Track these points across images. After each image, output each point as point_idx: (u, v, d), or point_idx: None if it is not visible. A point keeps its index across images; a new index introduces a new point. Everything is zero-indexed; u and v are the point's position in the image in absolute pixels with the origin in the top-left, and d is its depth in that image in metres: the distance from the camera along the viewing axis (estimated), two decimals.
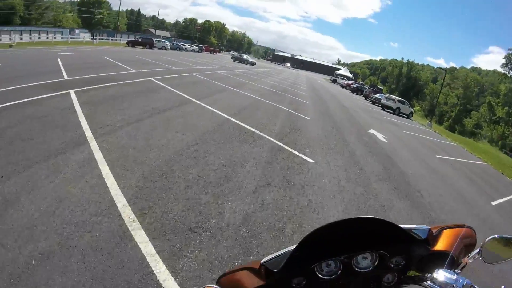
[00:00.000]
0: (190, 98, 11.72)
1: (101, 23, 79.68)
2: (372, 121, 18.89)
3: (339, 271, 0.97)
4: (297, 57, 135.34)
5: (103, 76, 13.58)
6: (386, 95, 37.23)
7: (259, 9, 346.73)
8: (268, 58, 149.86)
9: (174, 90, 12.88)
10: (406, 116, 33.21)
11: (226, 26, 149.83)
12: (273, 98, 16.86)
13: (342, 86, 60.43)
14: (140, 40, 49.49)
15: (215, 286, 1.00)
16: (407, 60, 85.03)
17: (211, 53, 76.44)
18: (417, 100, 76.41)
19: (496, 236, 1.00)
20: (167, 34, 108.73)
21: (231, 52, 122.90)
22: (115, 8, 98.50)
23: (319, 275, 0.97)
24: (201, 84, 16.73)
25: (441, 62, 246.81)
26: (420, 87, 79.43)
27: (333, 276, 0.97)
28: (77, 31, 67.84)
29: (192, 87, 14.75)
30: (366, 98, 42.86)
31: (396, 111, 31.96)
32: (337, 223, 0.90)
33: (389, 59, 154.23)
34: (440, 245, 1.02)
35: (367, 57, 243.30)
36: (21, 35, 48.98)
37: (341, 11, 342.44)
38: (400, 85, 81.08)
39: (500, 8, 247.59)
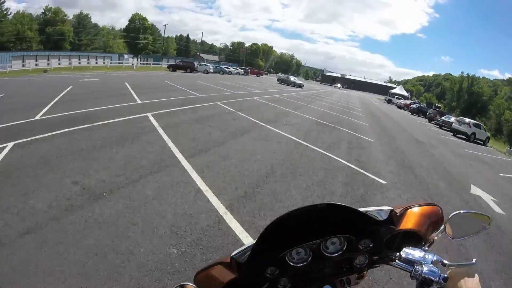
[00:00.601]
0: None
1: (146, 48, 79.68)
2: (459, 162, 13.48)
3: (310, 258, 1.01)
4: (347, 76, 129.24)
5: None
6: (458, 118, 31.08)
7: (306, 31, 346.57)
8: (317, 79, 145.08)
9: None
10: (482, 143, 27.69)
11: (273, 49, 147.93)
12: (322, 137, 11.83)
13: (399, 107, 54.31)
14: (181, 64, 47.48)
15: (191, 284, 1.04)
16: (467, 74, 75.14)
17: (257, 76, 73.72)
18: (480, 118, 67.03)
19: (460, 211, 1.02)
20: (215, 58, 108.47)
21: (278, 74, 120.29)
22: (169, 34, 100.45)
23: (290, 263, 1.00)
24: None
25: (496, 74, 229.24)
26: (484, 103, 69.80)
27: (305, 263, 1.01)
28: (126, 56, 68.77)
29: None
30: (430, 121, 37.12)
31: (471, 138, 26.72)
32: (299, 210, 0.95)
33: (442, 73, 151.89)
34: (405, 224, 1.05)
35: (418, 73, 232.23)
36: (69, 59, 50.04)
37: (388, 28, 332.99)
38: (461, 102, 71.62)
39: None
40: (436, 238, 1.06)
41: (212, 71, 50.70)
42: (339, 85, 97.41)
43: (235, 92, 23.70)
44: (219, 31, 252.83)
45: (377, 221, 1.03)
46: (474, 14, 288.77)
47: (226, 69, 57.92)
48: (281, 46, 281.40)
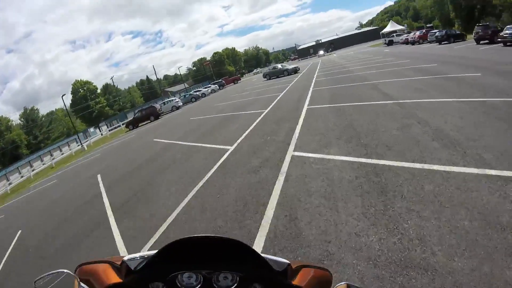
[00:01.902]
0: None
1: (104, 112, 70.52)
2: None
3: (199, 285, 1.01)
4: (322, 41, 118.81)
5: None
6: None
7: (257, 20, 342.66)
8: (292, 58, 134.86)
9: None
10: None
11: (236, 49, 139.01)
12: None
13: (412, 42, 44.60)
14: (139, 115, 36.40)
15: (71, 273, 1.01)
16: None
17: (234, 83, 63.64)
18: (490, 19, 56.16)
19: (345, 283, 1.02)
20: (185, 86, 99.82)
21: (256, 70, 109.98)
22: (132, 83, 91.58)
23: (179, 284, 1.01)
24: None
25: None
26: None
27: None
28: (91, 129, 60.15)
29: None
30: (478, 42, 27.68)
31: None
32: (204, 238, 0.96)
33: None
34: (297, 281, 1.07)
35: (377, 9, 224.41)
36: (30, 166, 42.48)
37: None
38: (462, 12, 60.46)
39: None
40: None
41: (182, 103, 40.58)
42: (321, 51, 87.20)
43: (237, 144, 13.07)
44: (178, 59, 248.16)
45: (273, 270, 1.01)
46: None
47: (197, 93, 47.78)
48: (240, 45, 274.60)
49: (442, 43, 35.54)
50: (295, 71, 36.69)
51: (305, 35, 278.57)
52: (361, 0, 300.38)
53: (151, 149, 15.09)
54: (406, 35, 51.83)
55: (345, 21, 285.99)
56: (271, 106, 16.20)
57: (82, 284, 1.01)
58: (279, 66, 40.23)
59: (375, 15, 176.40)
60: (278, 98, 18.83)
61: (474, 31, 28.93)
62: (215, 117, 18.76)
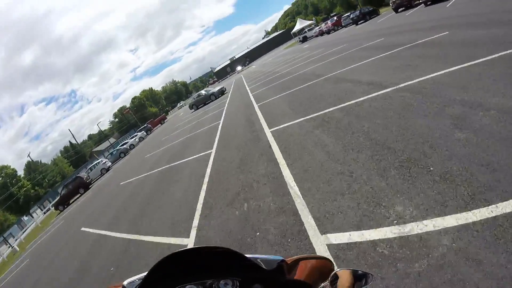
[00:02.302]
0: None
1: (30, 197, 62.23)
2: None
3: None
4: (236, 57, 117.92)
5: None
6: None
7: (166, 56, 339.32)
8: (211, 82, 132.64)
9: None
10: None
11: (154, 89, 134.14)
12: None
13: (327, 32, 43.65)
14: (65, 192, 30.13)
15: None
16: None
17: (161, 124, 59.14)
18: None
19: (345, 268, 1.03)
20: (110, 142, 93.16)
21: (180, 104, 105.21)
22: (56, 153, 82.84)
23: None
24: None
25: None
26: None
27: None
28: (25, 217, 53.92)
29: None
30: (397, 10, 27.71)
31: None
32: (192, 250, 0.96)
33: None
34: (296, 274, 1.08)
35: (277, 16, 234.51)
36: None
37: (227, 0, 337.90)
38: None
39: None
40: None
41: (110, 163, 35.40)
42: (239, 67, 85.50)
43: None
44: (99, 114, 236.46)
45: (263, 269, 1.00)
46: None
47: (124, 146, 42.59)
48: (157, 84, 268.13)
49: (359, 23, 34.72)
50: (222, 92, 33.02)
51: (217, 57, 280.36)
52: (259, 11, 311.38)
53: (78, 250, 10.34)
54: (318, 27, 51.11)
55: (250, 34, 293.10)
56: (216, 142, 12.18)
57: None
58: (203, 92, 36.04)
59: (277, 21, 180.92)
60: (220, 127, 14.97)
61: (391, 1, 28.16)
62: (149, 175, 14.37)
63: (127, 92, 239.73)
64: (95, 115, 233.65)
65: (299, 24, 63.73)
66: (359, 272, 1.04)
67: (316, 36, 49.94)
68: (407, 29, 15.43)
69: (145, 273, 0.99)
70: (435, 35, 10.94)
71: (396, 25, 19.24)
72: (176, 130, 27.87)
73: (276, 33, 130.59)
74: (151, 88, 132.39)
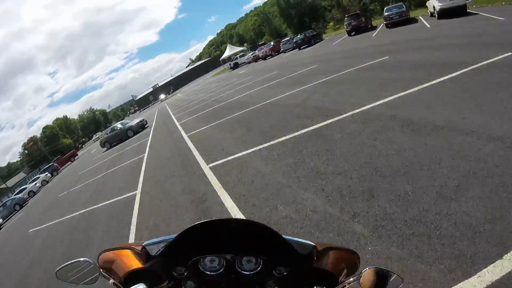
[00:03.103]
0: None
1: None
2: None
3: (222, 269, 1.00)
4: (159, 85, 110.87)
5: None
6: None
7: (86, 81, 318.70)
8: (134, 110, 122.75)
9: None
10: None
11: (69, 117, 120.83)
12: None
13: (264, 57, 39.37)
14: None
15: (89, 260, 1.01)
16: None
17: (71, 161, 49.46)
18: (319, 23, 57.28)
19: (374, 267, 1.00)
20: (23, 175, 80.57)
21: (96, 135, 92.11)
22: None
23: (202, 269, 1.00)
24: None
25: (256, 2, 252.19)
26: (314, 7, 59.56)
27: (216, 273, 1.00)
28: None
29: None
30: (350, 34, 26.11)
31: None
32: (225, 221, 0.95)
33: (223, 28, 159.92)
34: (323, 264, 1.04)
35: (201, 46, 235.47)
36: None
37: (152, 28, 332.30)
38: (293, 18, 60.05)
39: None
40: (347, 285, 1.01)
41: (1, 219, 25.89)
42: (162, 96, 78.51)
43: None
44: (12, 143, 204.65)
45: (297, 253, 0.99)
46: None
47: (22, 195, 32.99)
48: (75, 111, 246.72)
49: (302, 47, 30.84)
50: (142, 126, 26.26)
51: (140, 85, 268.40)
52: (183, 40, 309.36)
53: None
54: (252, 53, 46.98)
55: (174, 62, 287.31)
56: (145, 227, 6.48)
57: (103, 272, 1.02)
58: (119, 125, 28.11)
59: (201, 50, 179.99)
60: (138, 189, 9.01)
61: (345, 23, 26.48)
62: None
63: (43, 119, 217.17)
64: (7, 143, 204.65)
65: (229, 51, 59.57)
66: (386, 271, 0.99)
67: (249, 62, 45.72)
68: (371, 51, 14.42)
69: (165, 237, 1.00)
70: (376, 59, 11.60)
71: (341, 50, 18.53)
72: (79, 181, 18.71)
73: (201, 61, 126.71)
74: (66, 116, 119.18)
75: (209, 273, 0.99)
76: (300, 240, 1.04)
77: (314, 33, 32.79)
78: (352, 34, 25.22)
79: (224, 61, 56.22)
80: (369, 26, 25.34)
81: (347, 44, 21.12)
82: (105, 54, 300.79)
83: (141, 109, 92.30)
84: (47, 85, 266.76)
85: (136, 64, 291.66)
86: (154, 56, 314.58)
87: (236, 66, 50.21)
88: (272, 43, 41.06)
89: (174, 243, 0.95)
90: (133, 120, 28.15)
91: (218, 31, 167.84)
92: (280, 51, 37.31)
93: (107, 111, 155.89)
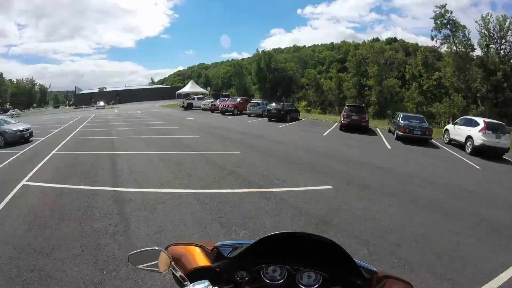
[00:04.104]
0: None
1: None
2: None
3: (282, 280, 1.02)
4: (107, 89, 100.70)
5: None
6: None
7: (48, 52, 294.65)
8: (71, 103, 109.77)
9: None
10: None
11: (4, 76, 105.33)
12: None
13: (224, 111, 32.85)
14: None
15: (163, 249, 1.08)
16: (260, 48, 60.29)
17: None
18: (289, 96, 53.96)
19: None
20: None
21: (12, 111, 77.27)
22: None
23: (263, 276, 1.02)
24: None
25: (234, 55, 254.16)
26: (290, 79, 56.32)
27: (275, 283, 1.02)
28: None
29: None
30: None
31: None
32: (296, 233, 0.97)
33: (196, 64, 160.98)
34: None
35: (169, 71, 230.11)
36: None
37: (133, 34, 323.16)
38: (266, 83, 55.90)
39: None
40: None
41: None
42: (102, 103, 69.01)
43: None
44: None
45: (361, 275, 0.99)
46: (210, 9, 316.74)
47: None
48: (22, 74, 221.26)
49: (272, 119, 24.71)
50: (22, 137, 17.74)
51: (96, 81, 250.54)
52: (154, 59, 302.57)
53: None
54: (213, 100, 40.54)
55: (138, 75, 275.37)
56: None
57: (173, 263, 1.06)
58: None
59: (167, 76, 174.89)
60: None
61: (343, 113, 20.85)
62: None
63: None
64: None
65: (190, 87, 52.66)
66: None
67: (205, 109, 39.19)
68: None
69: (238, 240, 1.03)
70: None
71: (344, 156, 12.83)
72: None
73: (161, 86, 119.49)
74: (1, 74, 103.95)
75: (269, 282, 1.00)
76: (364, 264, 1.05)
77: (293, 107, 27.11)
78: (344, 129, 19.77)
79: (180, 95, 48.97)
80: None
81: (346, 145, 15.60)
82: (78, 35, 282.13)
83: (75, 107, 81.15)
84: (10, 34, 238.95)
85: (102, 60, 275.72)
86: (122, 60, 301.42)
87: (189, 106, 43.48)
88: (238, 99, 34.28)
89: (247, 249, 0.95)
90: (17, 123, 19.57)
91: (190, 65, 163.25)
92: (245, 111, 31.25)
93: (47, 89, 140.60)
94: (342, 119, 20.05)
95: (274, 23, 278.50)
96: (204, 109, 40.00)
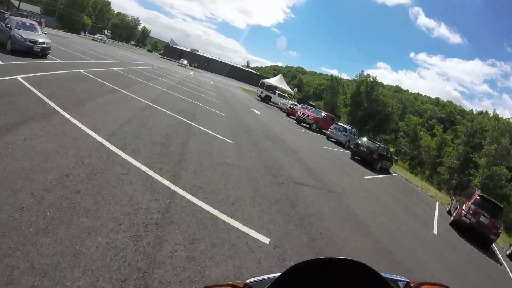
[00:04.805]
0: None
1: None
2: None
3: None
4: (198, 53, 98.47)
5: None
6: None
7: (165, 4, 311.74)
8: (161, 52, 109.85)
9: None
10: None
11: (111, 7, 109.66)
12: None
13: (300, 121, 25.83)
14: None
15: None
16: (367, 75, 52.14)
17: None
18: (378, 134, 45.72)
19: None
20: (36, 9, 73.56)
21: (101, 35, 78.38)
22: None
23: None
24: None
25: (334, 72, 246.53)
26: (387, 116, 47.87)
27: None
28: None
29: None
30: None
31: None
32: (323, 260, 0.93)
33: (295, 66, 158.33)
34: None
35: (267, 62, 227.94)
36: None
37: (247, 17, 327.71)
38: (360, 110, 48.18)
39: (388, 32, 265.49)
40: None
41: None
42: (186, 61, 65.80)
43: None
44: None
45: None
46: (325, 21, 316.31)
47: None
48: (135, 13, 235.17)
49: (356, 157, 17.55)
50: (45, 50, 14.64)
51: (197, 45, 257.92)
52: (258, 47, 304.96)
53: None
54: (293, 103, 33.97)
55: (238, 55, 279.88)
56: None
57: None
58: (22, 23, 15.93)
59: (263, 66, 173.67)
60: None
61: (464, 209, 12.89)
62: None
63: None
64: None
65: (277, 81, 46.31)
66: None
67: (282, 109, 32.98)
68: None
69: (268, 275, 1.01)
70: None
71: None
72: None
73: (252, 70, 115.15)
74: (109, 2, 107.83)
75: None
76: (393, 276, 1.05)
77: (388, 153, 19.56)
78: (460, 232, 12.39)
79: (262, 85, 43.03)
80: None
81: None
82: (197, 1, 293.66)
83: (165, 58, 79.50)
84: None
85: (211, 29, 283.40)
86: (228, 36, 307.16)
87: (266, 99, 37.49)
88: (323, 114, 27.45)
89: (278, 282, 0.94)
90: (38, 34, 15.50)
91: (289, 65, 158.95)
92: (324, 130, 24.40)
93: (149, 33, 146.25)
94: (462, 213, 12.38)
95: (383, 57, 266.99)
96: (281, 109, 33.85)
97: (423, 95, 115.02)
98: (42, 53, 14.85)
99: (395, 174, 20.99)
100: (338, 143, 21.68)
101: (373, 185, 13.24)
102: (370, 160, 16.74)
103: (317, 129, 24.79)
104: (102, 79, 12.97)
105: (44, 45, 14.77)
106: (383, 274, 0.97)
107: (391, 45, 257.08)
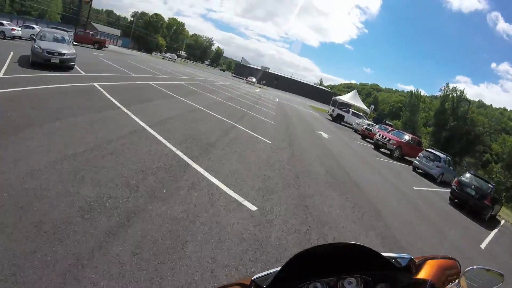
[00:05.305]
0: None
1: None
2: None
3: None
4: (269, 71, 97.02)
5: None
6: None
7: (241, 26, 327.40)
8: (232, 71, 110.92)
9: None
10: None
11: (185, 28, 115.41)
12: None
13: (379, 146, 21.58)
14: None
15: None
16: (453, 88, 45.78)
17: (95, 47, 37.34)
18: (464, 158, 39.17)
19: (474, 267, 1.01)
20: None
21: (172, 55, 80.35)
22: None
23: None
24: None
25: (410, 88, 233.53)
26: (477, 137, 41.12)
27: None
28: None
29: None
30: None
31: None
32: (323, 246, 0.95)
33: (369, 83, 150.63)
34: (422, 274, 1.05)
35: (341, 80, 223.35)
36: None
37: (320, 35, 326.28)
38: (445, 130, 42.09)
39: (465, 41, 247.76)
40: None
41: None
42: (254, 79, 64.34)
43: None
44: (151, 11, 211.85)
45: (396, 267, 1.00)
46: (398, 35, 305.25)
47: None
48: (212, 36, 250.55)
49: (456, 200, 13.38)
50: (70, 61, 13.88)
51: (271, 64, 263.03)
52: (331, 64, 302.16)
53: None
54: (370, 123, 29.98)
55: (311, 73, 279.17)
56: None
57: None
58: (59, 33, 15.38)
59: (337, 84, 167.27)
60: None
61: None
62: None
63: (188, 19, 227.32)
64: (147, 8, 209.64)
65: (351, 97, 41.83)
66: (486, 270, 1.01)
67: (356, 130, 29.26)
68: None
69: (272, 269, 0.99)
70: None
71: None
72: None
73: (324, 88, 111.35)
74: (183, 23, 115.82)
75: None
76: (396, 254, 1.05)
77: (498, 196, 14.54)
78: None
79: (334, 102, 39.26)
80: None
81: None
82: (271, 20, 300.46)
83: (233, 76, 79.44)
84: (213, 1, 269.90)
85: (284, 49, 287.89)
86: (302, 55, 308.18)
87: (338, 119, 33.82)
88: (406, 136, 22.16)
89: (280, 274, 0.94)
90: (63, 45, 14.00)
91: (363, 82, 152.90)
92: (408, 157, 20.24)
93: (223, 54, 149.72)
94: None
95: (462, 69, 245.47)
96: (355, 130, 30.06)
97: (509, 109, 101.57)
98: (63, 64, 13.22)
99: (503, 221, 15.59)
100: (428, 176, 17.45)
101: (491, 252, 9.17)
102: (481, 207, 12.41)
103: (400, 156, 20.62)
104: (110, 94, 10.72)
105: (65, 56, 13.22)
106: (384, 254, 0.97)
107: (470, 55, 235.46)
